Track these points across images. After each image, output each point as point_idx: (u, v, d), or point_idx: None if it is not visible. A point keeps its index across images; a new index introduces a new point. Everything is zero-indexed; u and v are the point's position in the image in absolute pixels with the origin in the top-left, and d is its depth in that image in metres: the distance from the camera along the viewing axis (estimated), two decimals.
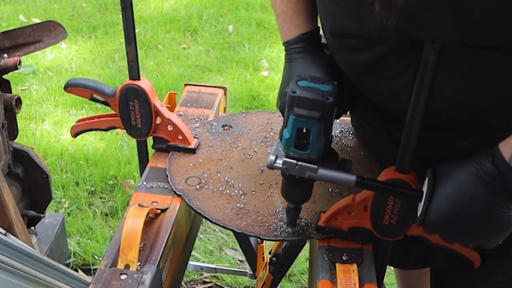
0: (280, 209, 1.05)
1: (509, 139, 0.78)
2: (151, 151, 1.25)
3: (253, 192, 1.09)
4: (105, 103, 1.17)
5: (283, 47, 1.04)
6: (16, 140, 1.68)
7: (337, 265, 0.94)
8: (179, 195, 1.09)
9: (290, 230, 1.01)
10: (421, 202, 0.85)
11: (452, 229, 0.84)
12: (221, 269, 1.91)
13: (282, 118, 0.94)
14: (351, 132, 1.27)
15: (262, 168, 1.16)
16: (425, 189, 0.85)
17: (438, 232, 0.87)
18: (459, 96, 0.85)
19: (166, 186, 1.12)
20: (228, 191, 1.09)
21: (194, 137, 1.22)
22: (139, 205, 1.07)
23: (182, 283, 2.03)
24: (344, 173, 0.89)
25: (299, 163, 0.88)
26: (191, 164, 1.17)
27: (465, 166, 0.82)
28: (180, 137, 1.19)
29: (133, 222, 0.97)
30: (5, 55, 1.57)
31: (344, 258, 0.96)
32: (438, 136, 0.96)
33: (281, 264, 1.31)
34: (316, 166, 0.88)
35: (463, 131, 0.93)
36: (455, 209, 0.82)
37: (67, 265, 2.02)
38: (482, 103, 0.85)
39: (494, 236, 0.84)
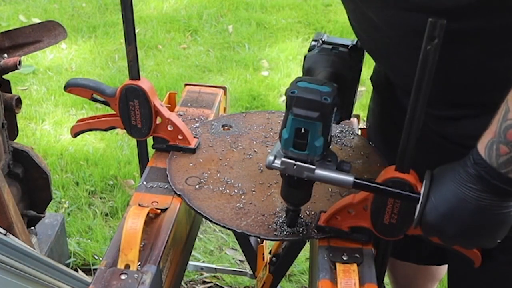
0: (280, 209, 1.05)
1: (483, 136, 0.79)
2: (151, 151, 1.25)
3: (253, 192, 1.09)
4: (105, 103, 1.17)
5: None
6: (16, 140, 1.68)
7: (337, 265, 0.94)
8: (179, 195, 1.09)
9: (290, 230, 1.01)
10: (418, 204, 0.85)
11: (448, 231, 0.84)
12: (221, 269, 1.90)
13: (282, 118, 0.94)
14: (351, 132, 1.28)
15: (262, 168, 1.16)
16: (422, 191, 0.85)
17: (435, 234, 0.87)
18: (470, 73, 0.88)
19: (166, 186, 1.12)
20: (228, 191, 1.10)
21: (194, 137, 1.22)
22: (139, 205, 1.07)
23: (182, 283, 2.03)
24: (342, 174, 0.89)
25: (297, 163, 0.88)
26: (191, 164, 1.17)
27: (455, 167, 0.82)
28: (180, 137, 1.19)
29: (133, 222, 0.97)
30: (5, 55, 1.57)
31: (344, 258, 0.96)
32: (459, 114, 0.98)
33: (281, 264, 1.31)
34: (314, 167, 0.88)
35: (476, 109, 0.94)
36: (449, 211, 0.82)
37: (67, 265, 2.02)
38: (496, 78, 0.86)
39: (492, 235, 0.83)
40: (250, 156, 1.20)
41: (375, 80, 1.26)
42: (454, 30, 0.79)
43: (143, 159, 1.27)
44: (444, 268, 1.64)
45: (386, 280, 1.96)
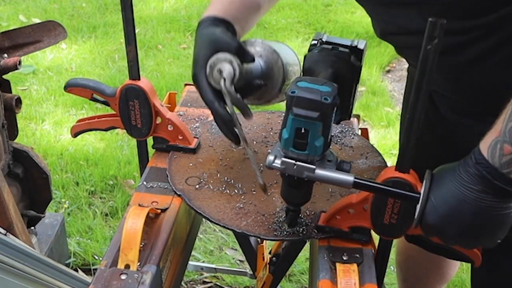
0: (280, 209, 1.05)
1: (486, 136, 0.79)
2: (151, 151, 1.25)
3: (253, 192, 1.09)
4: (105, 103, 1.17)
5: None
6: (16, 140, 1.68)
7: (337, 265, 0.94)
8: (179, 195, 1.09)
9: (290, 230, 1.01)
10: (418, 204, 0.85)
11: (448, 231, 0.84)
12: (221, 269, 1.91)
13: (282, 118, 0.95)
14: (351, 132, 1.28)
15: (262, 168, 1.16)
16: (422, 191, 0.85)
17: (436, 234, 0.87)
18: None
19: (166, 186, 1.12)
20: (228, 191, 1.10)
21: (194, 137, 1.22)
22: (139, 205, 1.07)
23: (182, 283, 2.03)
24: (342, 174, 0.89)
25: (298, 163, 0.88)
26: (191, 164, 1.17)
27: (455, 167, 0.82)
28: (180, 137, 1.19)
29: (133, 222, 0.97)
30: (5, 55, 1.57)
31: (344, 258, 0.96)
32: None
33: (281, 264, 1.31)
34: (314, 167, 0.88)
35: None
36: (449, 211, 0.82)
37: (67, 265, 2.02)
38: None
39: (491, 235, 0.83)
40: None
41: (411, 71, 1.33)
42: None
43: (143, 159, 1.27)
44: (454, 269, 1.64)
45: (386, 280, 1.97)
